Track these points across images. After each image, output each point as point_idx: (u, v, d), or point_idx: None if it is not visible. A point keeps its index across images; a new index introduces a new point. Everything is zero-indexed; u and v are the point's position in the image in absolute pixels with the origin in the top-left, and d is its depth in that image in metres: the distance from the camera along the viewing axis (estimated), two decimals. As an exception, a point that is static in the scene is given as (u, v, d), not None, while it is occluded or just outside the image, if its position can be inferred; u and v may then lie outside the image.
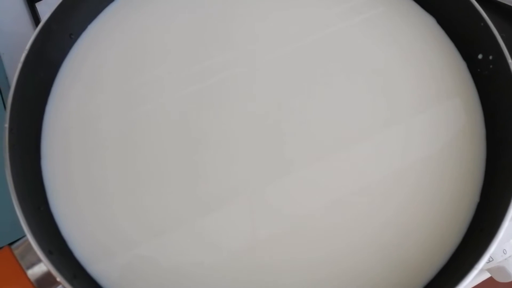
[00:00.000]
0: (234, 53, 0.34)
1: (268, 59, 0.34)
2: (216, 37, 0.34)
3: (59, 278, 0.25)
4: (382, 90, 0.33)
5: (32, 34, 0.30)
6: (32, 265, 0.27)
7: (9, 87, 0.38)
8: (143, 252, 0.29)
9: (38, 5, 0.42)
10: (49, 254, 0.26)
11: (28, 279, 0.26)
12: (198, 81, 0.33)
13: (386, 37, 0.35)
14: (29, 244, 0.26)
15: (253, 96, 0.33)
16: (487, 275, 0.42)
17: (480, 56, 0.33)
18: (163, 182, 0.30)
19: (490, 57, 0.32)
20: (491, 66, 0.32)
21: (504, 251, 0.38)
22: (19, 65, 0.29)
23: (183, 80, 0.33)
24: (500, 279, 0.40)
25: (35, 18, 0.41)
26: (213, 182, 0.30)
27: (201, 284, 0.28)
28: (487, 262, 0.38)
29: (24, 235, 0.26)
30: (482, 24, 0.31)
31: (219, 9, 0.35)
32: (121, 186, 0.30)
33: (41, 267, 0.26)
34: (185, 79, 0.33)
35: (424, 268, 0.29)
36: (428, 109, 0.33)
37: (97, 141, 0.32)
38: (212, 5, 0.35)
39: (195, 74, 0.33)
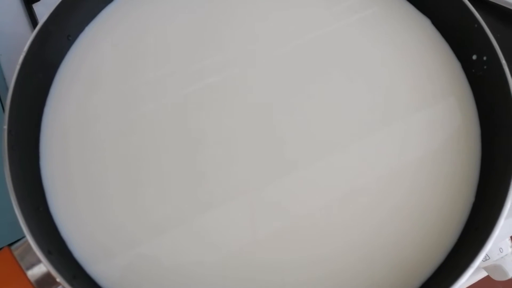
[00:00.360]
0: (234, 53, 0.34)
1: (268, 59, 0.34)
2: (215, 37, 0.34)
3: (58, 278, 0.25)
4: (379, 90, 0.33)
5: (29, 35, 0.30)
6: (31, 265, 0.27)
7: (6, 88, 0.38)
8: (143, 252, 0.29)
9: (35, 6, 0.42)
10: (48, 254, 0.26)
11: (28, 280, 0.26)
12: (197, 81, 0.33)
13: (382, 37, 0.35)
14: (29, 244, 0.26)
15: (252, 96, 0.33)
16: (484, 274, 0.42)
17: (474, 57, 0.33)
18: (162, 182, 0.31)
19: (484, 58, 0.32)
20: (485, 67, 0.32)
21: (501, 249, 0.39)
22: (17, 67, 0.29)
23: (182, 80, 0.33)
24: (496, 277, 0.40)
25: (32, 19, 0.41)
26: (213, 181, 0.31)
27: (201, 284, 0.29)
28: (484, 261, 0.38)
29: (24, 236, 0.26)
30: (476, 25, 0.32)
31: (218, 9, 0.35)
32: (121, 186, 0.31)
33: (41, 267, 0.26)
34: (185, 79, 0.33)
35: (421, 266, 0.29)
36: (424, 109, 0.33)
37: (96, 142, 0.32)
38: (211, 5, 0.36)
39: (194, 73, 0.33)
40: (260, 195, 0.30)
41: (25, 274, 0.26)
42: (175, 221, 0.30)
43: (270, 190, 0.30)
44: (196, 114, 0.32)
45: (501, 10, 0.42)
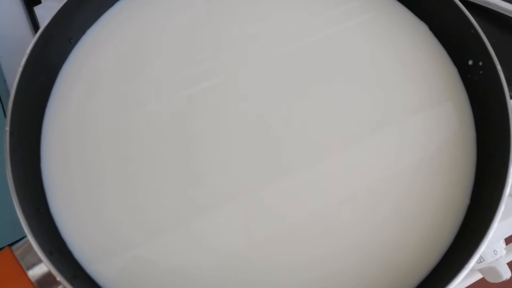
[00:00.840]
0: (233, 54, 0.34)
1: (266, 61, 0.34)
2: (214, 38, 0.35)
3: (59, 278, 0.25)
4: (375, 94, 0.34)
5: (30, 38, 0.31)
6: (32, 265, 0.27)
7: (7, 90, 0.39)
8: (142, 253, 0.29)
9: (35, 9, 0.42)
10: (49, 254, 0.26)
11: (29, 280, 0.26)
12: (196, 83, 0.33)
13: (380, 42, 0.35)
14: (30, 245, 0.26)
15: (250, 98, 0.33)
16: (479, 276, 0.43)
17: (470, 62, 0.33)
18: (160, 184, 0.31)
19: (480, 63, 0.32)
20: (481, 72, 0.32)
21: (495, 251, 0.39)
22: (20, 69, 0.29)
23: (181, 82, 0.33)
24: (491, 279, 0.41)
25: (33, 22, 0.42)
26: (211, 183, 0.31)
27: (199, 285, 0.29)
28: (479, 263, 0.39)
29: (25, 236, 0.26)
30: (472, 31, 0.32)
31: (218, 9, 0.36)
32: (118, 188, 0.31)
33: (42, 267, 0.27)
34: (183, 81, 0.33)
35: (417, 268, 0.30)
36: (421, 113, 0.33)
37: (95, 144, 0.32)
38: (211, 6, 0.36)
39: (193, 75, 0.34)
40: (258, 197, 0.30)
41: (26, 274, 0.27)
42: (172, 223, 0.30)
43: (268, 192, 0.31)
44: (194, 116, 0.32)
45: (497, 16, 0.43)
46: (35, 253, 0.26)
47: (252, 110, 0.33)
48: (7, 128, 0.28)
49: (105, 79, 0.34)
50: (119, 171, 0.31)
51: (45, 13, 0.42)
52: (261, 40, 0.35)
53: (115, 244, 0.30)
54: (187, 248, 0.30)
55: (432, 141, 0.33)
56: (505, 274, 0.39)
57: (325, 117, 0.33)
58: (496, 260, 0.39)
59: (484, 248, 0.27)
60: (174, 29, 0.35)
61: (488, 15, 0.43)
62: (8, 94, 0.30)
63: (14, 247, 0.28)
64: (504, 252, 0.39)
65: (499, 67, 0.31)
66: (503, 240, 0.40)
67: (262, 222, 0.30)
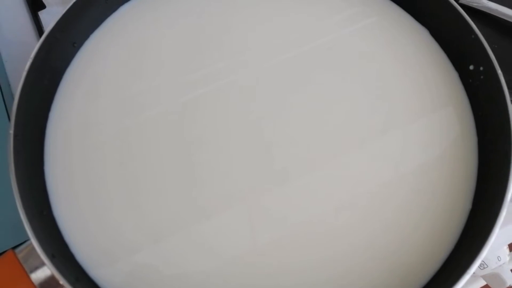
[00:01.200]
0: (233, 61, 0.34)
1: (266, 67, 0.34)
2: (214, 45, 0.35)
3: (61, 281, 0.25)
4: (377, 100, 0.34)
5: (34, 42, 0.31)
6: (35, 268, 0.27)
7: (12, 94, 0.39)
8: (144, 258, 0.29)
9: (40, 13, 0.43)
10: (52, 257, 0.26)
11: (32, 282, 0.27)
12: (195, 88, 0.34)
13: (381, 47, 0.36)
14: (33, 248, 0.26)
15: (251, 103, 0.33)
16: (482, 283, 0.43)
17: (471, 67, 0.33)
18: (162, 189, 0.31)
19: (481, 68, 0.33)
20: (482, 77, 0.33)
21: (499, 258, 0.39)
22: (24, 73, 0.30)
23: (181, 87, 0.34)
24: (495, 286, 0.40)
25: (38, 26, 0.42)
26: (212, 188, 0.31)
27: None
28: (482, 269, 0.39)
29: (28, 239, 0.26)
30: (472, 36, 0.32)
31: (219, 16, 0.36)
32: (121, 192, 0.31)
33: (44, 270, 0.27)
34: (183, 86, 0.34)
35: (419, 272, 0.30)
36: (422, 118, 0.33)
37: (98, 147, 0.32)
38: (212, 12, 0.36)
39: (193, 81, 0.34)
40: (260, 201, 0.31)
41: (28, 277, 0.27)
42: (174, 227, 0.30)
43: (271, 196, 0.31)
44: (194, 121, 0.33)
45: (497, 22, 0.43)
46: (38, 256, 0.26)
47: (254, 114, 0.33)
48: (11, 131, 0.28)
49: (107, 84, 0.34)
50: (121, 175, 0.31)
51: (50, 17, 0.43)
52: (262, 46, 0.35)
53: (118, 248, 0.30)
54: (189, 252, 0.30)
55: (433, 146, 0.33)
56: (509, 281, 0.39)
57: (327, 122, 0.33)
58: (500, 266, 0.38)
59: (486, 253, 0.27)
60: (176, 34, 0.36)
61: (489, 21, 0.43)
62: (13, 98, 0.30)
63: (17, 250, 0.28)
64: (507, 258, 0.39)
65: (499, 71, 0.31)
66: (507, 246, 0.40)
67: (265, 226, 0.30)
